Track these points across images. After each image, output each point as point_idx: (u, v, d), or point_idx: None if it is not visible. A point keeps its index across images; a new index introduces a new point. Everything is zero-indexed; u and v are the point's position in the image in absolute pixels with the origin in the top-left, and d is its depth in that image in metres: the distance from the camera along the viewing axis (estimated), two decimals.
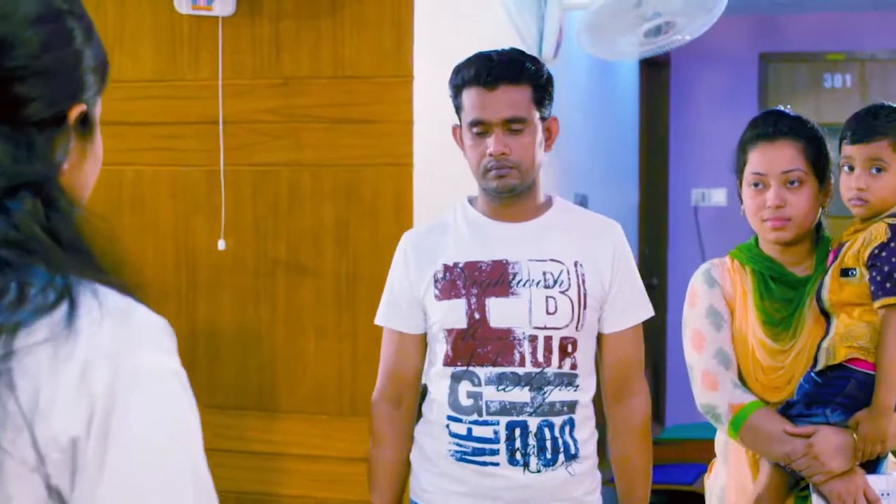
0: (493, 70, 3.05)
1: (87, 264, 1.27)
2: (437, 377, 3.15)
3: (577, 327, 3.08)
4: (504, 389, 3.04)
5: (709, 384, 3.12)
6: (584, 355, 3.11)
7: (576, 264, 3.10)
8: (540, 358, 3.05)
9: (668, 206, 9.09)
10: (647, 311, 3.22)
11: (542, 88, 3.09)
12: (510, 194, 3.10)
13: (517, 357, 3.04)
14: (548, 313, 3.05)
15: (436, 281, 3.12)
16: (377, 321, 3.28)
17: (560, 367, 3.06)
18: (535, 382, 3.04)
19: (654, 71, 8.85)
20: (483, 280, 3.07)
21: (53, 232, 1.26)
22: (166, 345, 1.28)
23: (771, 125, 3.14)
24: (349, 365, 4.15)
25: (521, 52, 3.15)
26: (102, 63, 1.41)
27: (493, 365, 3.05)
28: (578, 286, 3.09)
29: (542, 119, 3.11)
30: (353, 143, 4.12)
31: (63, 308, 1.21)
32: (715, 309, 3.17)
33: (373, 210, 4.12)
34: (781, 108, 3.25)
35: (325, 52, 4.15)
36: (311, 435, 4.20)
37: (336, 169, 4.15)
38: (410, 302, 3.18)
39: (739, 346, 3.15)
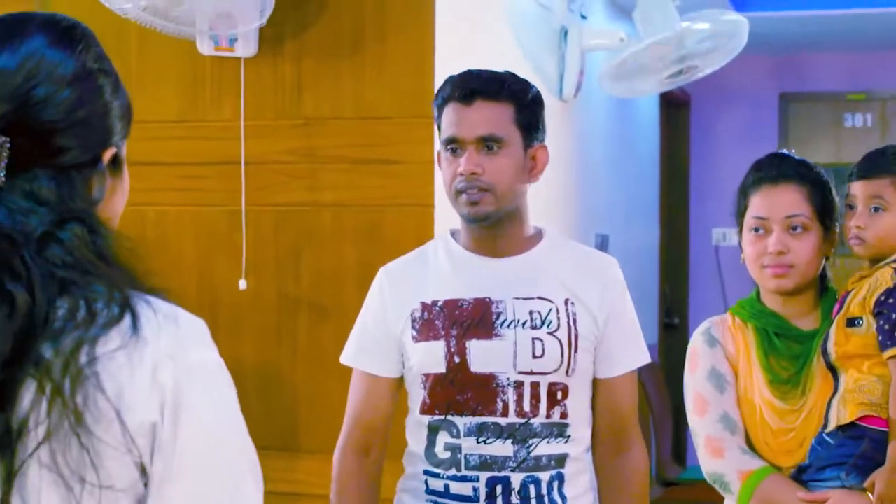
0: (470, 84, 2.82)
1: (130, 278, 1.54)
2: (414, 427, 2.89)
3: (567, 372, 2.80)
4: (485, 442, 2.76)
5: (714, 451, 2.93)
6: (577, 403, 2.83)
7: (566, 302, 2.82)
8: (525, 407, 2.76)
9: (689, 246, 9.08)
10: (644, 357, 2.96)
11: (526, 109, 2.83)
12: (486, 223, 2.81)
13: (500, 406, 2.76)
14: (534, 357, 2.77)
15: (413, 320, 2.84)
16: (344, 360, 3.03)
17: (548, 416, 2.78)
18: (520, 434, 2.75)
19: (675, 110, 8.86)
20: (464, 320, 2.79)
21: (100, 254, 1.52)
22: (208, 340, 1.58)
23: (774, 168, 2.99)
24: None
25: (510, 73, 2.91)
26: (127, 109, 1.65)
27: (474, 414, 2.76)
28: (569, 326, 2.80)
29: (528, 145, 2.83)
30: (374, 184, 4.13)
31: (127, 319, 1.49)
32: (717, 371, 2.98)
33: (394, 250, 4.10)
34: (786, 151, 3.13)
35: (346, 93, 4.17)
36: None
37: (357, 209, 4.16)
38: (386, 342, 2.90)
39: (746, 408, 2.95)
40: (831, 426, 2.81)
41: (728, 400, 2.96)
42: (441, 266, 2.90)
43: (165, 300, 1.59)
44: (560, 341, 2.79)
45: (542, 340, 2.78)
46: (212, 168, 4.30)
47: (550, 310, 2.80)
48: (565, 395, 2.80)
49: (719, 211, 8.89)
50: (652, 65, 5.05)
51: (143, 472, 1.50)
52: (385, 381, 2.93)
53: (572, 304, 2.82)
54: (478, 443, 2.76)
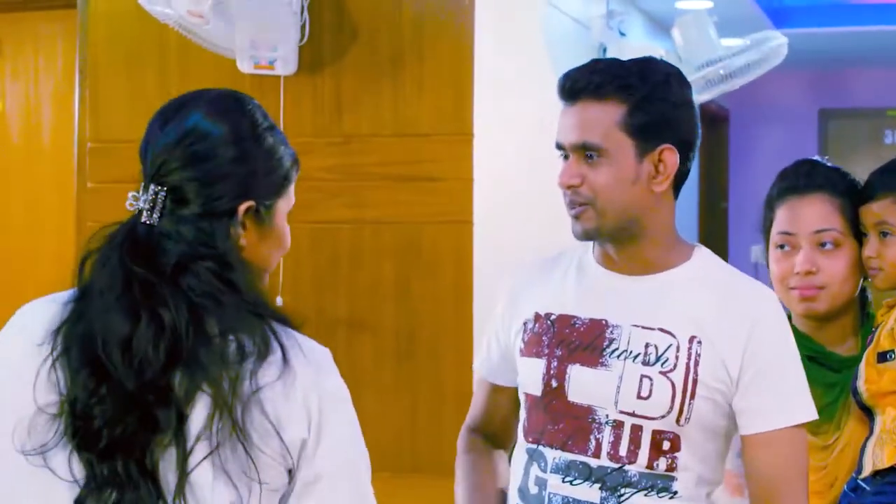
0: (575, 79, 2.39)
1: (257, 304, 1.83)
2: (517, 449, 2.52)
3: (678, 420, 2.32)
4: (570, 482, 2.37)
5: (734, 488, 2.58)
6: (695, 458, 2.35)
7: (691, 340, 2.34)
8: (621, 451, 2.34)
9: (728, 263, 9.04)
10: (802, 413, 2.36)
11: (642, 108, 2.34)
12: (597, 240, 2.43)
13: (592, 444, 2.36)
14: (639, 397, 2.33)
15: (525, 332, 2.49)
16: (474, 366, 2.73)
17: (650, 466, 2.33)
18: (610, 481, 2.34)
19: (714, 126, 8.84)
20: (573, 341, 2.40)
21: (231, 285, 1.82)
22: (334, 368, 1.92)
23: (802, 177, 2.65)
24: (409, 421, 4.14)
25: (646, 60, 2.42)
26: (275, 170, 1.95)
27: (563, 449, 2.38)
28: (687, 368, 2.33)
29: (645, 150, 2.35)
30: (413, 201, 4.14)
31: (279, 353, 1.81)
32: None
33: (433, 267, 4.12)
34: (818, 157, 2.79)
35: (385, 111, 4.17)
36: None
37: (396, 226, 4.16)
38: (503, 350, 2.56)
39: None
40: (867, 471, 2.47)
41: None
42: (568, 276, 2.50)
43: (289, 325, 1.87)
44: (673, 384, 2.33)
45: (651, 379, 2.34)
46: None
47: (670, 346, 2.35)
48: (675, 447, 2.34)
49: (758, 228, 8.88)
50: (695, 85, 5.04)
51: (290, 475, 1.84)
52: (501, 389, 2.60)
53: (699, 342, 2.34)
54: (563, 482, 2.37)
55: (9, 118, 5.09)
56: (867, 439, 2.49)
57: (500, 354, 2.57)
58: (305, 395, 1.84)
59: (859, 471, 2.48)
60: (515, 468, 2.48)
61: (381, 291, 4.18)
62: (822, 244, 2.59)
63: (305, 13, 4.17)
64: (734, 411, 2.35)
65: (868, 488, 2.47)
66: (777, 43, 4.97)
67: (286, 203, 1.98)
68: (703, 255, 2.47)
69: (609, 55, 5.16)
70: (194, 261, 1.83)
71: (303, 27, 4.17)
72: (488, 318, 2.65)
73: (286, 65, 4.15)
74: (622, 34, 5.49)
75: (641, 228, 2.38)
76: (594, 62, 2.41)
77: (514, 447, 2.55)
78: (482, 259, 4.09)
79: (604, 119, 2.33)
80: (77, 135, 4.51)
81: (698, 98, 5.31)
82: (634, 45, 5.56)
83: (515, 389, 2.54)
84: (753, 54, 4.93)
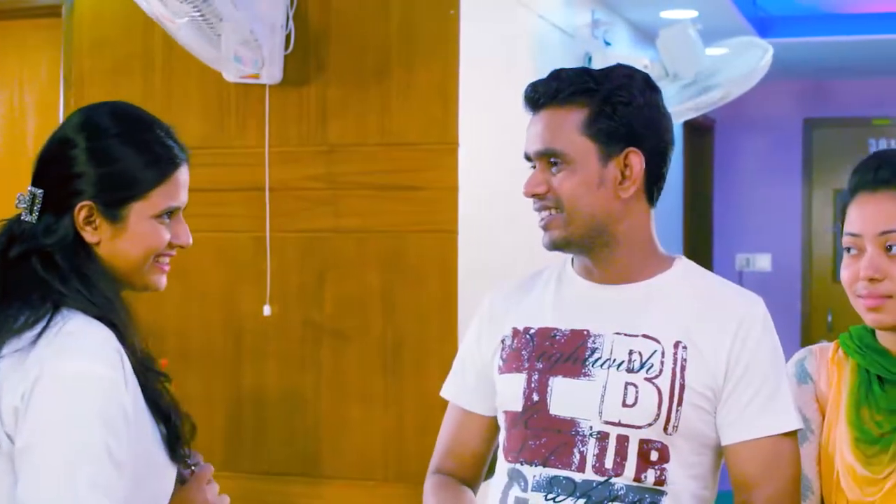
0: (536, 88, 2.36)
1: (77, 294, 2.00)
2: (498, 473, 2.40)
3: (666, 428, 2.24)
4: (553, 500, 2.26)
5: None
6: (685, 471, 2.27)
7: (676, 345, 2.27)
8: (607, 463, 2.24)
9: (712, 271, 9.05)
10: (787, 422, 2.28)
11: (605, 111, 2.29)
12: (568, 251, 2.37)
13: (576, 458, 2.26)
14: (624, 405, 2.25)
15: (503, 349, 2.41)
16: (442, 392, 2.57)
17: (638, 479, 2.24)
18: (596, 496, 2.24)
19: (698, 135, 8.85)
20: (554, 353, 2.32)
21: (60, 276, 2.02)
22: (88, 355, 1.95)
23: (871, 171, 2.32)
24: (395, 430, 4.14)
25: (613, 66, 2.39)
26: (119, 175, 2.08)
27: (545, 465, 2.28)
28: (673, 374, 2.25)
29: (609, 154, 2.30)
30: (398, 210, 4.14)
31: (37, 330, 1.96)
32: (801, 414, 2.34)
33: (418, 277, 4.12)
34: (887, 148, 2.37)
35: (370, 120, 4.18)
36: (357, 501, 4.19)
37: (381, 235, 4.17)
38: (479, 374, 2.47)
39: (824, 465, 2.34)
40: None
41: (806, 454, 2.35)
42: (547, 290, 2.42)
43: (103, 318, 2.00)
44: (659, 390, 2.25)
45: (636, 386, 2.25)
46: (236, 194, 4.31)
47: (655, 352, 2.27)
48: (664, 458, 2.25)
49: (743, 236, 8.90)
50: (675, 96, 5.06)
51: (9, 439, 1.93)
52: (479, 418, 2.48)
53: (684, 347, 2.27)
54: (546, 500, 2.26)
55: None
56: None
57: (475, 376, 2.47)
58: (29, 369, 1.93)
59: None
60: (493, 493, 2.36)
61: (366, 300, 4.18)
62: (889, 247, 2.26)
63: (291, 22, 4.18)
64: (717, 421, 2.27)
65: None
66: (757, 43, 4.98)
67: (150, 207, 2.11)
68: (685, 264, 2.41)
69: (594, 65, 5.18)
70: (32, 252, 2.05)
71: (288, 36, 4.17)
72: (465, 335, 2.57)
73: (271, 73, 4.15)
74: (607, 43, 5.51)
75: (612, 236, 2.32)
76: (558, 71, 2.36)
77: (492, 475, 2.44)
78: (467, 268, 4.10)
79: (565, 125, 2.29)
80: None
81: (687, 114, 5.34)
82: (619, 54, 5.57)
83: (489, 420, 2.46)
84: (736, 59, 4.95)
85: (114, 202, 2.08)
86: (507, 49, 4.69)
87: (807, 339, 8.47)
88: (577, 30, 5.39)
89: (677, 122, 8.13)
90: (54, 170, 2.08)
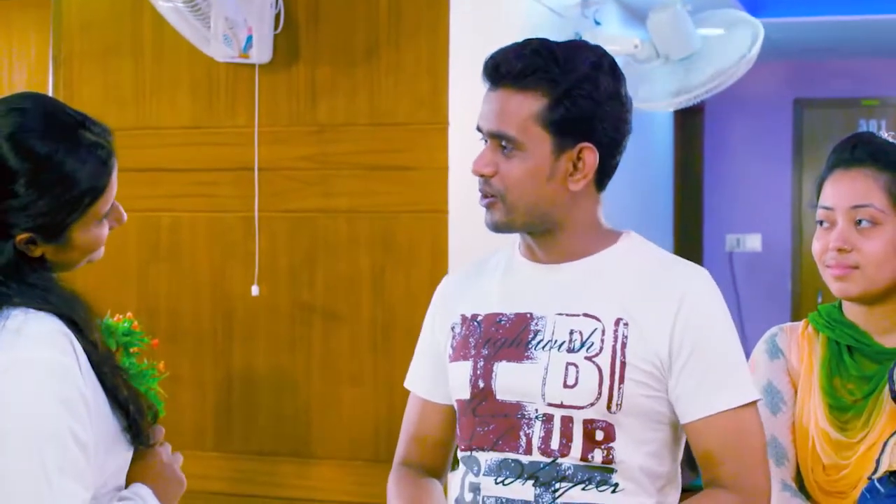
0: (499, 62, 2.28)
1: (39, 297, 1.99)
2: (459, 466, 2.40)
3: (609, 407, 2.21)
4: (503, 482, 2.25)
5: None
6: (635, 449, 2.24)
7: (617, 322, 2.23)
8: (553, 445, 2.23)
9: (702, 252, 9.06)
10: (744, 394, 2.24)
11: (563, 102, 2.22)
12: (504, 232, 2.32)
13: (522, 441, 2.25)
14: (565, 386, 2.22)
15: (453, 337, 2.39)
16: (405, 383, 2.58)
17: (585, 459, 2.22)
18: (543, 476, 2.23)
19: (689, 117, 8.85)
20: (499, 338, 2.30)
21: (22, 281, 2.01)
22: (40, 343, 1.94)
23: (848, 150, 2.45)
24: (384, 411, 4.14)
25: (578, 47, 2.29)
26: (50, 212, 2.02)
27: (493, 449, 2.27)
28: (614, 351, 2.22)
29: (563, 148, 2.23)
30: (388, 190, 4.14)
31: None
32: (774, 387, 2.48)
33: (408, 257, 4.12)
34: (875, 130, 2.57)
35: (360, 99, 4.17)
36: (345, 481, 4.20)
37: (371, 215, 4.16)
38: (435, 363, 2.45)
39: (799, 435, 2.46)
40: (881, 471, 2.31)
41: (780, 423, 2.47)
42: (495, 275, 2.39)
43: (62, 316, 1.99)
44: (599, 368, 2.22)
45: (577, 366, 2.22)
46: (226, 174, 4.31)
47: (595, 330, 2.24)
48: (609, 437, 2.22)
49: (733, 217, 8.89)
50: (667, 77, 5.05)
51: None
52: (435, 406, 2.46)
53: (625, 324, 2.23)
54: (496, 483, 2.26)
55: None
56: (890, 437, 2.33)
57: (432, 366, 2.45)
58: None
59: (875, 470, 2.32)
60: (453, 483, 2.36)
61: (356, 281, 4.18)
62: (860, 221, 2.39)
63: (280, 2, 4.16)
64: (671, 399, 2.23)
65: (882, 490, 2.31)
66: (748, 20, 4.96)
67: (91, 217, 2.06)
68: (631, 239, 2.35)
69: None
70: None
71: (277, 16, 4.16)
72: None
73: (261, 53, 4.14)
74: (597, 23, 5.49)
75: (556, 223, 2.28)
76: (521, 44, 2.29)
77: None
78: (457, 249, 4.09)
79: (522, 111, 2.22)
80: None
81: (677, 105, 5.33)
82: (609, 34, 5.56)
83: (448, 408, 2.44)
84: (728, 39, 4.93)
85: (55, 231, 2.05)
86: (497, 28, 4.67)
87: (797, 319, 8.46)
88: (567, 9, 5.37)
89: (668, 112, 8.14)
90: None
